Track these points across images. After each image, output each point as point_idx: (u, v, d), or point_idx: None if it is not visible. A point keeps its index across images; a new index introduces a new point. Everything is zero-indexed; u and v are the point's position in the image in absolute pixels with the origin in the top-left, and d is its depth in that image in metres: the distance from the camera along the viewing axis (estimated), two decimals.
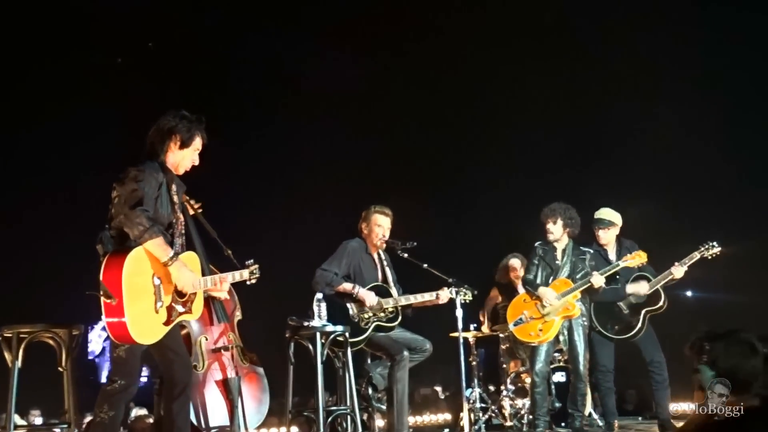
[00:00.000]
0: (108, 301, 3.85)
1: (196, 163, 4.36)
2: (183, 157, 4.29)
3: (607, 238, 6.55)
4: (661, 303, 6.33)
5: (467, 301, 5.95)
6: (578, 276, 6.27)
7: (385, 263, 6.06)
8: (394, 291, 5.93)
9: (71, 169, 7.79)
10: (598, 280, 6.14)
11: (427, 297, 5.93)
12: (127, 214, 3.91)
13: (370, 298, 5.76)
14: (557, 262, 6.35)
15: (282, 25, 9.39)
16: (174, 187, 4.26)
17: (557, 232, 6.32)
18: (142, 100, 8.22)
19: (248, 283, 4.56)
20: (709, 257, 6.26)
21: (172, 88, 8.36)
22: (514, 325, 6.31)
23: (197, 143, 4.31)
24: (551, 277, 6.31)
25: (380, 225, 5.99)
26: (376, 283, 5.91)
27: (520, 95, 9.31)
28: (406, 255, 6.07)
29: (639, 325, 6.29)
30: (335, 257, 5.92)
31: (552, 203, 6.39)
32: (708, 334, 2.78)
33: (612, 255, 6.56)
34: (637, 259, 6.33)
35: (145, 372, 5.57)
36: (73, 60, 8.37)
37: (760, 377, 2.67)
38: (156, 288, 3.99)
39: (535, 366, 6.23)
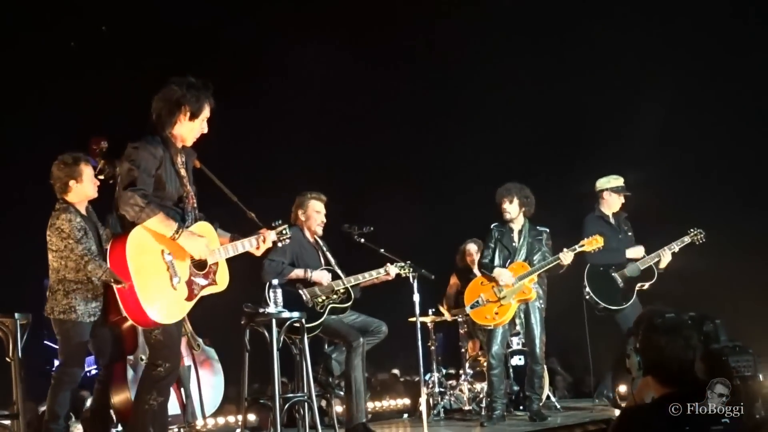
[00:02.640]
0: (120, 286, 3.71)
1: (205, 131, 4.12)
2: (192, 129, 4.05)
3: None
4: (653, 279, 6.58)
5: (407, 275, 5.89)
6: (535, 258, 6.29)
7: (324, 248, 6.02)
8: (341, 273, 5.90)
9: (20, 152, 7.59)
10: (567, 257, 6.17)
11: (374, 274, 5.92)
12: (121, 195, 3.76)
13: (324, 277, 5.72)
14: (514, 244, 6.35)
15: (247, 10, 9.24)
16: (180, 160, 4.05)
17: (513, 211, 6.33)
18: (96, 85, 8.06)
19: (280, 244, 4.54)
20: (697, 242, 6.57)
21: (128, 74, 8.18)
22: (471, 307, 6.33)
23: (206, 112, 4.07)
24: (509, 260, 6.32)
25: (318, 211, 5.95)
26: (322, 267, 5.87)
27: (488, 82, 9.29)
28: (362, 240, 6.05)
29: (633, 297, 6.49)
30: (280, 246, 5.85)
31: (506, 183, 6.40)
32: (653, 322, 2.76)
33: (612, 220, 6.78)
34: (594, 243, 6.38)
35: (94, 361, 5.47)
36: (23, 43, 8.16)
37: (689, 374, 2.68)
38: (169, 264, 3.81)
39: (491, 349, 6.24)
